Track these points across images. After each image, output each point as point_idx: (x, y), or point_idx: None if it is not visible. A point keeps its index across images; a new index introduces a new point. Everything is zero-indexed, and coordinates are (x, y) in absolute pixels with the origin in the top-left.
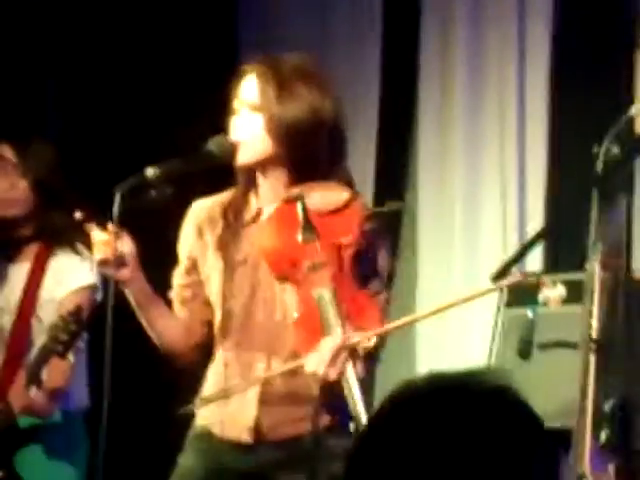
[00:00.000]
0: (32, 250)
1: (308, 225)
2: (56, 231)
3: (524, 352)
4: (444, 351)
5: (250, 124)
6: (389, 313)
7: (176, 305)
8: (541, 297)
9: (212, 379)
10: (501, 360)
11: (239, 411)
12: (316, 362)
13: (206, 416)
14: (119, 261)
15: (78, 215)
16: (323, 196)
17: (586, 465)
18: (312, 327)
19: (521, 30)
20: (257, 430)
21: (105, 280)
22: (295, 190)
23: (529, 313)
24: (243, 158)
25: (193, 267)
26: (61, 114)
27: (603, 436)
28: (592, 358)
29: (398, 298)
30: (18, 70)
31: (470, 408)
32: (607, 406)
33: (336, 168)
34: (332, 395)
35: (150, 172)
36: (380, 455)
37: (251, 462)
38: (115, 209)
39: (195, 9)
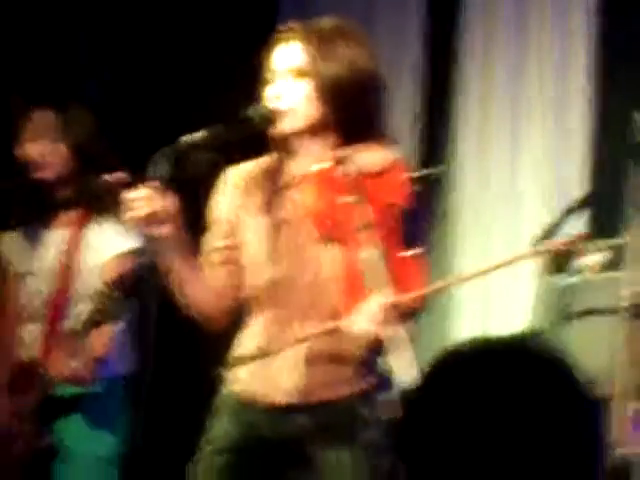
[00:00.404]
0: (70, 217)
1: (355, 187)
2: (95, 196)
3: (562, 319)
4: (484, 318)
5: (296, 90)
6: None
7: (208, 269)
8: (577, 265)
9: (250, 342)
10: (540, 326)
11: (280, 373)
12: (367, 320)
13: (242, 380)
14: (160, 218)
15: (118, 176)
16: (369, 157)
17: (627, 429)
18: (356, 287)
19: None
20: (296, 393)
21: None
22: (341, 151)
23: (568, 280)
24: (293, 124)
25: (231, 231)
26: (98, 79)
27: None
28: (632, 324)
29: (438, 265)
30: (54, 35)
31: (515, 368)
32: None
33: (380, 126)
34: (371, 358)
35: (189, 139)
36: (428, 422)
37: (286, 429)
38: (157, 171)
39: None
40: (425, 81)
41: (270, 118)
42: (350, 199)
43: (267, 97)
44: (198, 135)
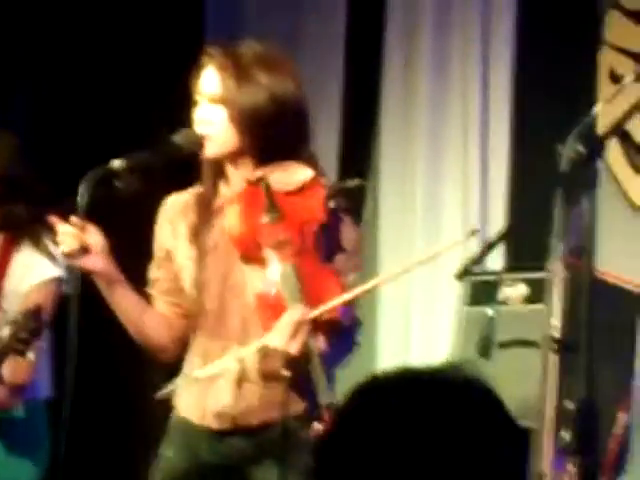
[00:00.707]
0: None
1: (272, 205)
2: (19, 223)
3: (484, 350)
4: (406, 349)
5: (213, 116)
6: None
7: (154, 299)
8: (501, 296)
9: (188, 367)
10: (462, 358)
11: (212, 397)
12: (277, 338)
13: (183, 405)
14: (85, 252)
15: (50, 218)
16: (285, 176)
17: (546, 464)
18: (277, 305)
19: (485, 29)
20: (230, 416)
21: (71, 272)
22: (258, 172)
23: (489, 311)
24: (210, 152)
25: (167, 259)
26: (27, 104)
27: (565, 436)
28: (553, 357)
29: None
30: None
31: (440, 398)
32: (569, 406)
33: (301, 151)
34: (301, 379)
35: (116, 163)
36: (349, 448)
37: (224, 452)
38: (80, 200)
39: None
40: (346, 108)
41: (197, 142)
42: (267, 218)
43: (194, 120)
44: (123, 160)
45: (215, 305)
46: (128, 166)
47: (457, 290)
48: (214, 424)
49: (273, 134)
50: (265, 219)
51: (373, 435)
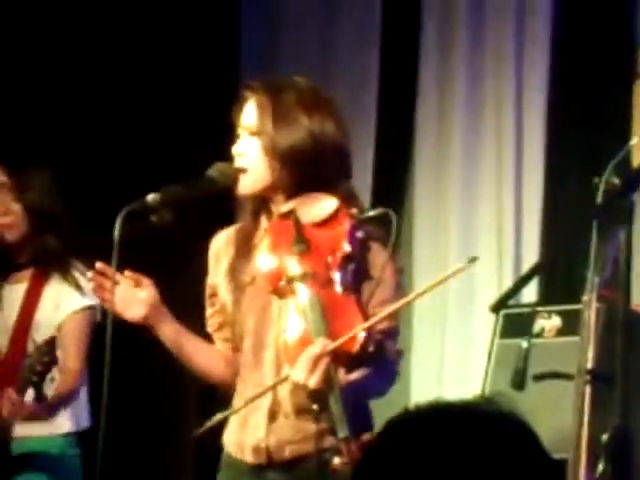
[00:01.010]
0: (29, 272)
1: (300, 238)
2: (50, 256)
3: (518, 383)
4: (439, 381)
5: (250, 150)
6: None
7: (212, 336)
8: (535, 328)
9: (236, 402)
10: (495, 390)
11: (249, 431)
12: (298, 372)
13: (226, 440)
14: (134, 303)
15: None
16: (312, 207)
17: None
18: (304, 340)
19: (519, 59)
20: (266, 451)
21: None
22: (288, 204)
23: (524, 344)
24: (244, 186)
25: (215, 295)
26: (61, 137)
27: (599, 468)
28: (587, 389)
29: None
30: (16, 89)
31: (473, 432)
32: (604, 438)
33: (339, 186)
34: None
35: (151, 197)
36: None
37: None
38: (116, 234)
39: (197, 22)
40: (381, 130)
41: (232, 177)
42: (295, 250)
43: (234, 153)
44: (158, 194)
45: (253, 339)
46: (162, 200)
47: (491, 323)
48: (250, 458)
49: (309, 171)
50: (293, 251)
51: (406, 469)
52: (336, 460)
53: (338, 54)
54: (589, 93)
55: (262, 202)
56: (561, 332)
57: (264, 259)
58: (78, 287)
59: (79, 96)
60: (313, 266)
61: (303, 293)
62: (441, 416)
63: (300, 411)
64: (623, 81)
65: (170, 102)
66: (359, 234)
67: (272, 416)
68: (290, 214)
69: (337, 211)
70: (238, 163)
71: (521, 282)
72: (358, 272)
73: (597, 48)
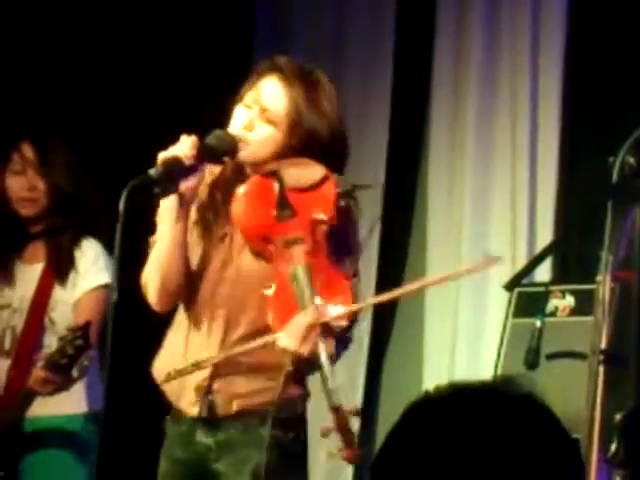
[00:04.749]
0: (43, 250)
1: (284, 201)
2: (64, 235)
3: (531, 362)
4: (452, 360)
5: (261, 125)
6: (360, 295)
7: None
8: (549, 307)
9: (173, 349)
10: (508, 369)
11: (195, 384)
12: (289, 338)
13: (170, 391)
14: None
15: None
16: (299, 173)
17: (592, 476)
18: (285, 303)
19: (534, 36)
20: (209, 404)
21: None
22: (272, 165)
23: (537, 323)
24: (247, 158)
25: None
26: (75, 113)
27: (612, 448)
28: (601, 369)
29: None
30: (36, 68)
31: (494, 414)
32: (616, 418)
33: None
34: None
35: (154, 171)
36: (403, 467)
37: (207, 440)
38: (121, 207)
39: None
40: (394, 124)
41: (232, 144)
42: (278, 213)
43: (238, 119)
44: (160, 167)
45: (208, 291)
46: (165, 172)
47: (505, 302)
48: (192, 412)
49: (315, 155)
50: (276, 214)
51: (427, 452)
52: (325, 426)
53: (353, 26)
54: (605, 71)
55: (239, 168)
56: (575, 311)
57: (243, 214)
58: (96, 263)
59: (93, 73)
60: (299, 232)
61: (295, 258)
62: (461, 398)
63: (249, 368)
64: (639, 61)
65: (183, 75)
66: (342, 203)
67: (217, 370)
68: (273, 175)
69: (323, 179)
70: (245, 135)
71: (535, 261)
72: (338, 244)
73: (611, 32)
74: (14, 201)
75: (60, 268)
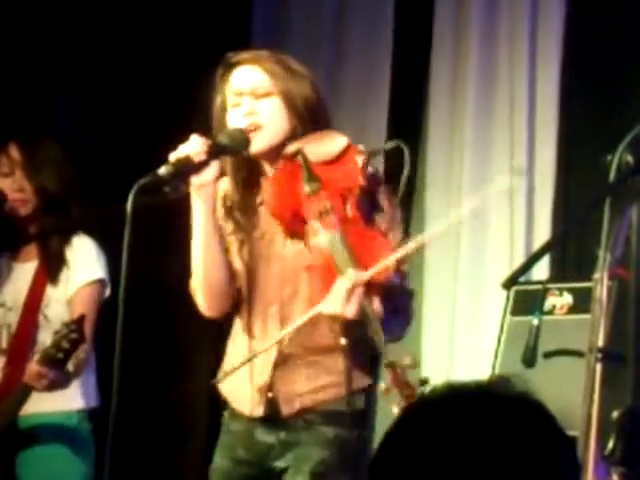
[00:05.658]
0: (37, 249)
1: (311, 176)
2: (55, 235)
3: (528, 360)
4: (450, 358)
5: (263, 109)
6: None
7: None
8: (547, 305)
9: (236, 357)
10: (506, 368)
11: (256, 385)
12: (332, 304)
13: (227, 391)
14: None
15: None
16: (321, 146)
17: (590, 474)
18: (326, 273)
19: (532, 32)
20: (271, 404)
21: (113, 276)
22: (293, 145)
23: (534, 321)
24: (261, 144)
25: (221, 236)
26: (70, 113)
27: (609, 445)
28: (598, 367)
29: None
30: (26, 67)
31: (490, 414)
32: (614, 416)
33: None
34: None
35: (163, 170)
36: (400, 469)
37: (269, 438)
38: (129, 207)
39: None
40: (392, 119)
41: (243, 140)
42: (307, 189)
43: (236, 118)
44: (169, 166)
45: (257, 291)
46: (174, 172)
47: (502, 300)
48: (252, 413)
49: (316, 119)
50: (305, 190)
51: (425, 454)
52: (382, 385)
53: (352, 17)
54: (605, 61)
55: (254, 166)
56: (572, 310)
57: (274, 199)
58: (89, 259)
59: (90, 72)
60: (329, 203)
61: (329, 227)
62: (457, 399)
63: (310, 365)
64: (638, 58)
65: (180, 70)
66: (370, 169)
67: (278, 364)
68: (296, 155)
69: (347, 147)
70: (251, 121)
71: (532, 259)
72: (370, 207)
73: (613, 22)
74: (10, 202)
75: (51, 268)
